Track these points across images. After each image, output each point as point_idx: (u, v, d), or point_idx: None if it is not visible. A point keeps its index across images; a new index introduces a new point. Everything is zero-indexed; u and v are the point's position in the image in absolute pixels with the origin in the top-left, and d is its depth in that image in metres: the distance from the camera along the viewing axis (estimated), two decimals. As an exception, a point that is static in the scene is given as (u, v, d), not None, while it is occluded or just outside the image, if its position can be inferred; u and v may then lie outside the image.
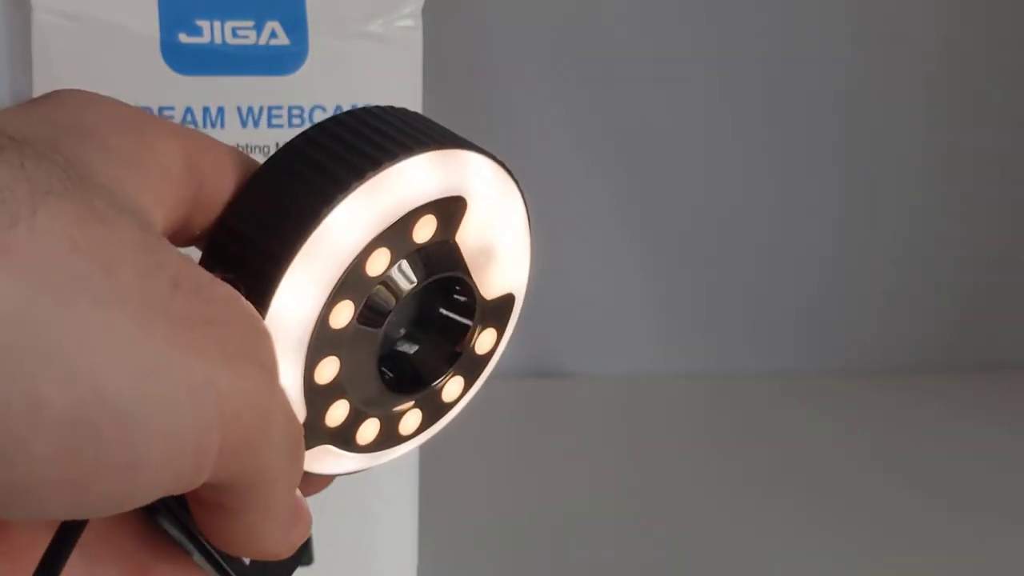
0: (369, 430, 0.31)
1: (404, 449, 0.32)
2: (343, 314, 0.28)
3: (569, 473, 0.74)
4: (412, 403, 0.31)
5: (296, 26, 0.46)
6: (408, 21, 0.47)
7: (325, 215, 0.27)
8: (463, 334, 0.31)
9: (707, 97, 0.87)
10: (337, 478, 0.32)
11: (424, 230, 0.29)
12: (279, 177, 0.28)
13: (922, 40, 0.89)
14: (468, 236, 0.30)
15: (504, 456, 0.76)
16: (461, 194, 0.29)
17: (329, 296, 0.28)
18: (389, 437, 0.31)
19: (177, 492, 0.24)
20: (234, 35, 0.45)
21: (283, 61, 0.46)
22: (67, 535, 0.26)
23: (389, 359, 0.31)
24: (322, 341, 0.28)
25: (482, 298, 0.31)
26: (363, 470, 0.32)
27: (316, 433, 0.29)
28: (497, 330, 0.32)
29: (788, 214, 0.90)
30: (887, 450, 0.79)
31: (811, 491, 0.73)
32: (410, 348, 0.31)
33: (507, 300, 0.32)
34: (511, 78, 0.84)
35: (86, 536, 0.28)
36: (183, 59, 0.45)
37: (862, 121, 0.90)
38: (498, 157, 0.30)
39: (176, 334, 0.23)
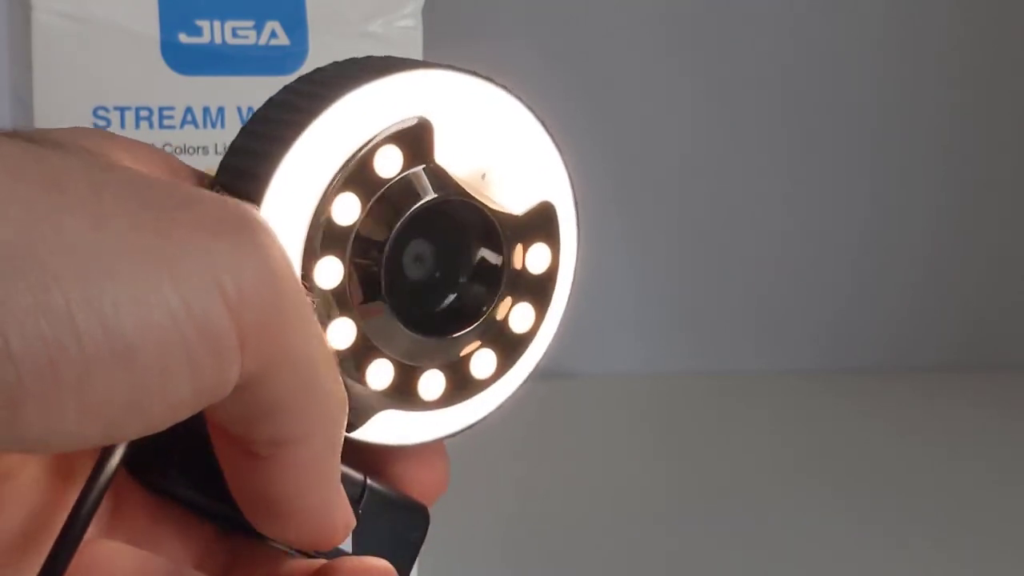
0: (432, 383, 0.29)
1: (500, 395, 0.30)
2: (331, 271, 0.27)
3: (569, 473, 0.74)
4: (478, 343, 0.29)
5: (296, 26, 0.46)
6: (408, 21, 0.47)
7: (271, 176, 0.26)
8: (489, 260, 0.29)
9: (706, 96, 0.87)
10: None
11: (389, 163, 0.27)
12: (231, 157, 0.28)
13: (930, 38, 0.89)
14: (454, 157, 0.28)
15: (504, 456, 0.76)
16: (420, 115, 0.28)
17: (304, 255, 0.27)
18: (463, 385, 0.30)
19: (207, 392, 0.23)
20: (234, 35, 0.45)
21: (283, 61, 0.46)
22: (102, 465, 0.25)
23: (415, 302, 0.29)
24: (322, 304, 0.27)
25: (507, 215, 0.29)
26: (466, 428, 0.30)
27: (362, 400, 0.28)
28: (549, 244, 0.30)
29: (788, 215, 0.90)
30: (889, 450, 0.79)
31: (811, 491, 0.72)
32: (448, 291, 0.29)
33: (544, 210, 0.30)
34: (511, 78, 0.84)
35: (154, 548, 0.28)
36: (183, 59, 0.45)
37: (868, 120, 0.90)
38: (469, 68, 0.29)
39: (140, 221, 0.22)
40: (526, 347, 0.30)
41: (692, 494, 0.72)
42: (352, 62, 0.29)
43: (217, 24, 0.45)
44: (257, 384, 0.24)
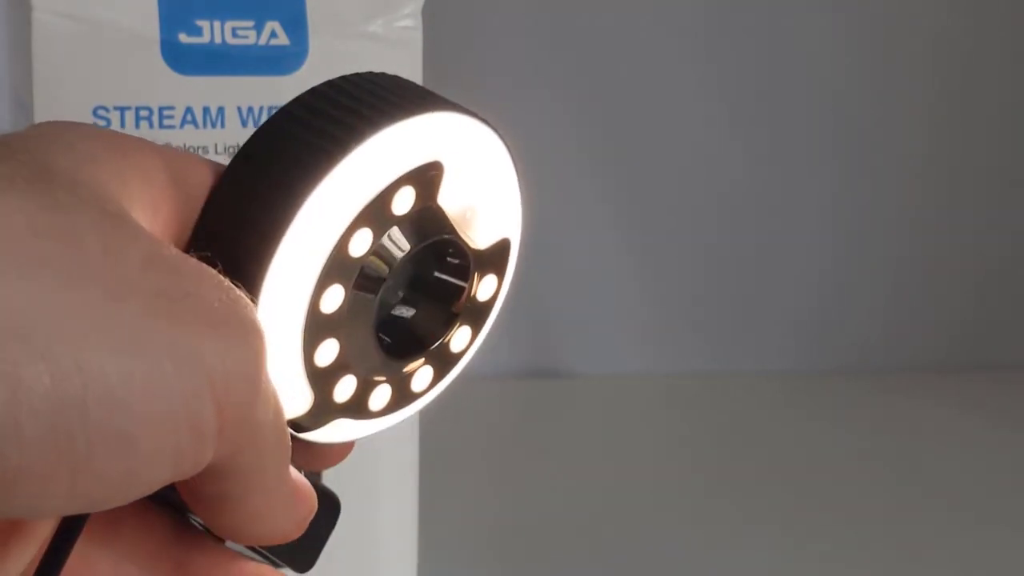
0: (381, 396, 0.31)
1: (420, 405, 0.32)
2: (334, 298, 0.28)
3: (569, 473, 0.74)
4: (422, 360, 0.31)
5: (296, 26, 0.46)
6: (408, 21, 0.47)
7: (300, 206, 0.27)
8: (459, 294, 0.31)
9: (704, 98, 0.87)
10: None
11: (403, 202, 0.29)
12: (250, 173, 0.28)
13: (923, 38, 0.89)
14: (450, 196, 0.30)
15: (504, 456, 0.76)
16: (436, 159, 0.29)
17: (316, 283, 0.28)
18: (402, 397, 0.31)
19: (182, 475, 0.24)
20: (234, 35, 0.45)
21: (283, 61, 0.46)
22: (68, 532, 0.26)
23: (388, 325, 0.31)
24: (317, 326, 0.28)
25: (475, 250, 0.31)
26: (383, 429, 0.32)
27: (327, 410, 0.29)
28: (497, 275, 0.32)
29: (786, 214, 0.90)
30: (885, 450, 0.79)
31: (811, 491, 0.73)
32: (408, 313, 0.31)
33: (502, 245, 0.32)
34: (511, 78, 0.84)
35: (113, 535, 0.29)
36: (183, 59, 0.45)
37: (860, 121, 0.90)
38: (467, 108, 0.30)
39: (153, 307, 0.23)
40: (456, 363, 0.32)
41: (692, 494, 0.72)
42: (369, 87, 0.29)
43: (217, 24, 0.45)
44: (219, 462, 0.25)
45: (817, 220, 0.91)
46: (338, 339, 0.29)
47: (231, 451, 0.25)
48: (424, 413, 0.51)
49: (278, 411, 0.27)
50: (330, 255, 0.28)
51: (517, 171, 0.32)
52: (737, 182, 0.89)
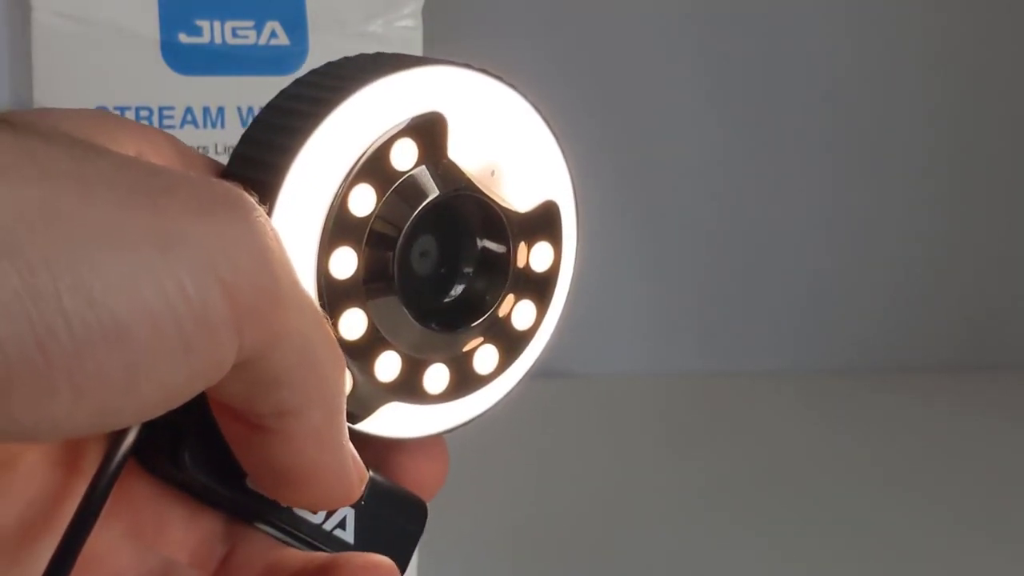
0: (436, 377, 0.29)
1: (500, 391, 0.31)
2: (345, 262, 0.27)
3: (569, 473, 0.74)
4: (481, 339, 0.30)
5: (296, 26, 0.46)
6: (408, 21, 0.47)
7: (288, 166, 0.26)
8: (499, 256, 0.30)
9: (705, 97, 0.87)
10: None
11: (404, 156, 0.28)
12: (246, 148, 0.28)
13: (923, 37, 0.89)
14: (466, 153, 0.29)
15: (504, 456, 0.76)
16: (435, 110, 0.28)
17: (320, 246, 0.27)
18: (466, 380, 0.30)
19: (204, 372, 0.23)
20: (234, 35, 0.45)
21: (283, 61, 0.46)
22: (104, 473, 0.25)
23: (425, 297, 0.29)
24: (335, 295, 0.27)
25: (514, 213, 0.29)
26: (467, 422, 0.31)
27: (372, 391, 0.28)
28: (551, 242, 0.30)
29: (787, 214, 0.90)
30: (885, 450, 0.79)
31: (811, 491, 0.73)
32: (454, 286, 0.30)
33: (548, 209, 0.30)
34: (511, 78, 0.84)
35: (158, 536, 0.28)
36: (183, 59, 0.45)
37: (862, 120, 0.90)
38: (480, 66, 0.29)
39: (129, 200, 0.22)
40: (527, 344, 0.31)
41: (693, 494, 0.72)
42: (365, 57, 0.29)
43: (217, 24, 0.45)
44: (255, 362, 0.24)
45: (817, 220, 0.91)
46: (364, 310, 0.28)
47: (264, 344, 0.24)
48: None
49: (315, 307, 0.25)
50: (331, 215, 0.27)
51: (552, 129, 0.31)
52: (737, 182, 0.89)
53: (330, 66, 0.29)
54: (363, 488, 0.28)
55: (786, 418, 0.84)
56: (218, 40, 0.45)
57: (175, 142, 0.28)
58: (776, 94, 0.88)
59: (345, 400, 0.26)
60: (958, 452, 0.79)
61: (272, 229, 0.24)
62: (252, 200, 0.24)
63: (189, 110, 0.45)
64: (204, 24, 0.45)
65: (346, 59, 0.29)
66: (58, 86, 0.43)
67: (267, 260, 0.23)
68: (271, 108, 0.28)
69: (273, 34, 0.46)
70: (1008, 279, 0.93)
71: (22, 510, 0.27)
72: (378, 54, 0.29)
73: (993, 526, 0.69)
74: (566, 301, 0.32)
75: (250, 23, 0.45)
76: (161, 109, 0.45)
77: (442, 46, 0.52)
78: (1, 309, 0.20)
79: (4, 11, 0.47)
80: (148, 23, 0.44)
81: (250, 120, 0.46)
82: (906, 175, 0.91)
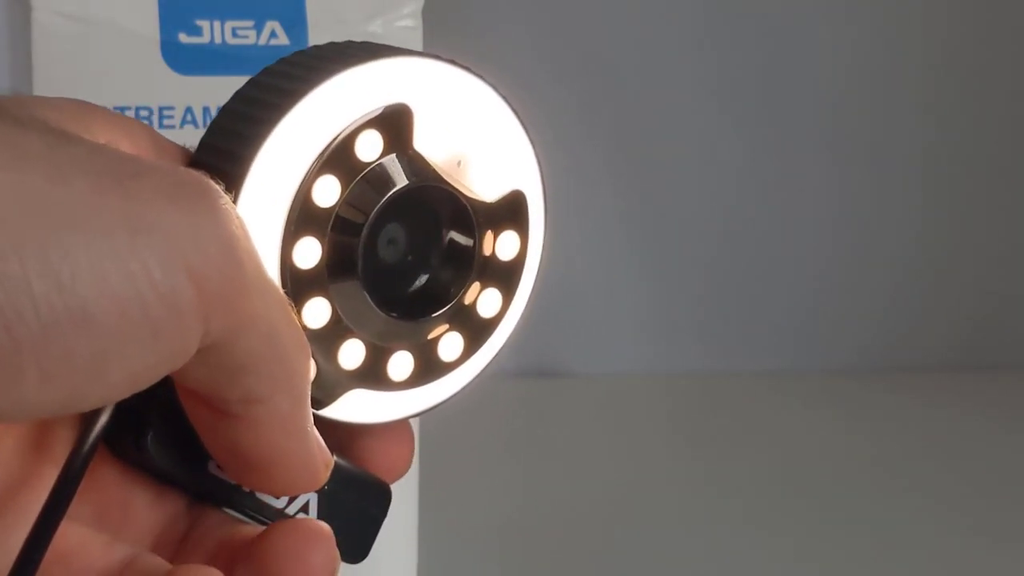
0: (401, 364, 0.30)
1: (464, 377, 0.31)
2: (309, 252, 0.28)
3: (569, 473, 0.74)
4: (446, 326, 0.30)
5: (296, 26, 0.46)
6: (408, 21, 0.47)
7: (253, 156, 0.27)
8: (463, 247, 0.30)
9: (706, 97, 0.87)
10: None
11: (370, 147, 0.28)
12: (213, 135, 0.28)
13: (923, 39, 0.89)
14: (432, 144, 0.29)
15: (504, 456, 0.76)
16: (400, 102, 0.28)
17: (284, 235, 0.27)
18: (431, 367, 0.30)
19: (170, 357, 0.23)
20: (234, 35, 0.45)
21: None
22: (72, 465, 0.26)
23: (388, 285, 0.29)
24: (298, 284, 0.28)
25: (480, 202, 0.30)
26: (429, 409, 0.31)
27: (335, 378, 0.29)
28: (518, 231, 0.31)
29: (788, 214, 0.90)
30: (886, 451, 0.79)
31: (810, 491, 0.73)
32: (419, 275, 0.30)
33: (515, 198, 0.31)
34: (511, 78, 0.84)
35: (122, 521, 0.28)
36: (183, 59, 0.45)
37: (861, 120, 0.90)
38: (441, 55, 0.29)
39: (100, 185, 0.22)
40: (492, 331, 0.31)
41: (692, 494, 0.72)
42: (332, 47, 0.29)
43: (217, 24, 0.45)
44: (221, 348, 0.24)
45: (817, 220, 0.91)
46: (327, 298, 0.28)
47: (230, 331, 0.24)
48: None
49: (280, 294, 0.26)
50: (295, 205, 0.27)
51: (520, 119, 0.31)
52: (738, 182, 0.89)
53: (298, 55, 0.29)
54: (328, 474, 0.28)
55: (786, 418, 0.84)
56: (218, 40, 0.45)
57: (150, 132, 0.28)
58: (777, 94, 0.88)
59: (310, 387, 0.27)
60: (959, 452, 0.79)
61: (238, 217, 0.24)
62: (219, 189, 0.24)
63: (189, 110, 0.45)
64: (204, 24, 0.45)
65: (315, 48, 0.29)
66: (58, 86, 0.43)
67: (233, 248, 0.24)
68: (239, 97, 0.28)
69: (273, 34, 0.46)
70: (1008, 279, 0.93)
71: None
72: (347, 43, 0.29)
73: (994, 526, 0.69)
74: (533, 289, 0.32)
75: (250, 23, 0.45)
76: (161, 109, 0.45)
77: (442, 46, 0.52)
78: None
79: (4, 11, 0.47)
80: (148, 23, 0.44)
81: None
82: (906, 176, 0.91)
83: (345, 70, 0.27)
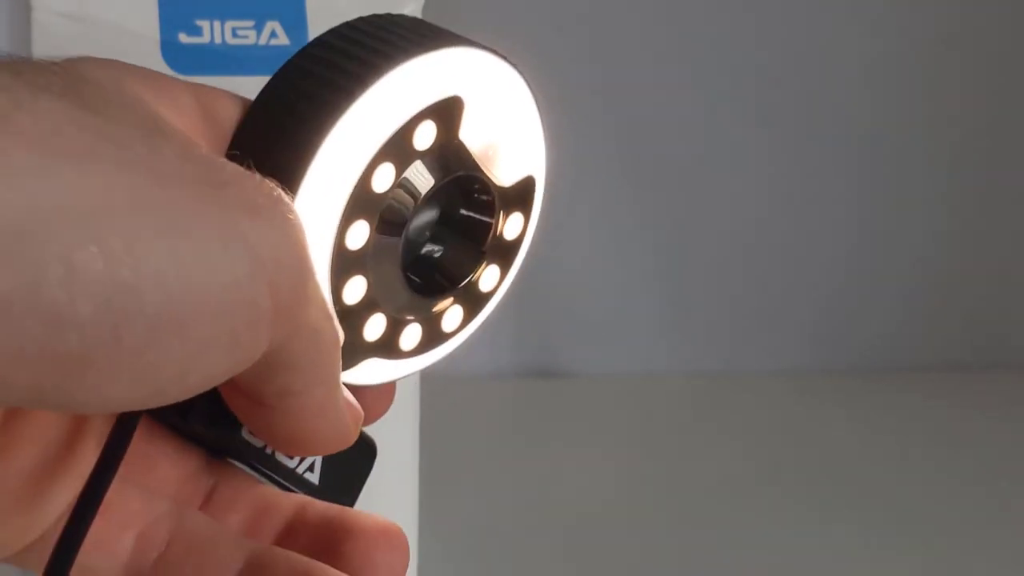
0: (411, 335, 0.31)
1: (454, 344, 0.33)
2: (359, 234, 0.28)
3: (569, 473, 0.74)
4: (451, 300, 0.32)
5: (296, 26, 0.46)
6: (408, 21, 0.47)
7: (321, 142, 0.27)
8: (486, 231, 0.32)
9: (716, 96, 0.87)
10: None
11: (425, 136, 0.29)
12: (273, 110, 0.28)
13: (928, 37, 0.89)
14: (472, 132, 0.30)
15: (504, 456, 0.76)
16: (456, 93, 0.29)
17: (341, 219, 0.28)
18: (433, 337, 0.32)
19: (237, 363, 0.24)
20: (234, 35, 0.45)
21: (283, 61, 0.46)
22: (125, 427, 0.26)
23: (416, 263, 0.31)
24: (344, 264, 0.28)
25: (499, 187, 0.31)
26: (419, 370, 0.32)
27: (358, 349, 0.30)
28: (523, 213, 0.32)
29: (793, 214, 0.90)
30: (889, 450, 0.79)
31: (815, 492, 0.73)
32: (436, 251, 0.32)
33: (527, 183, 0.32)
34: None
35: (146, 473, 0.29)
36: (183, 59, 0.45)
37: (871, 124, 0.90)
38: (486, 44, 0.30)
39: (196, 192, 0.23)
40: (486, 303, 0.33)
41: (692, 494, 0.72)
42: (386, 26, 0.30)
43: (217, 24, 0.45)
44: (274, 352, 0.25)
45: (819, 222, 0.91)
46: (366, 276, 0.29)
47: (286, 337, 0.25)
48: (424, 413, 0.51)
49: (325, 300, 0.27)
50: (354, 191, 0.28)
51: (539, 108, 0.32)
52: (744, 182, 0.89)
53: (354, 32, 0.29)
54: (359, 429, 0.29)
55: (790, 418, 0.84)
56: (218, 40, 0.45)
57: (195, 92, 0.29)
58: (793, 93, 0.88)
59: (340, 370, 0.28)
60: (960, 452, 0.79)
61: (304, 231, 0.25)
62: (290, 201, 0.25)
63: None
64: (204, 24, 0.45)
65: (373, 23, 0.30)
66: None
67: (305, 262, 0.25)
68: (301, 71, 0.29)
69: (273, 34, 0.46)
70: (1010, 279, 0.93)
71: (39, 453, 0.28)
72: (397, 23, 0.30)
73: (995, 526, 0.69)
74: (522, 263, 0.33)
75: (250, 23, 0.45)
76: (161, 109, 0.45)
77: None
78: (87, 293, 0.21)
79: (4, 11, 0.47)
80: (148, 23, 0.44)
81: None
82: (908, 176, 0.91)
83: (409, 59, 0.28)
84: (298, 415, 0.27)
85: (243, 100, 0.29)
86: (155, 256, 0.22)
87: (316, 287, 0.26)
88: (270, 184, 0.25)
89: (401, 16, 0.30)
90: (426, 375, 0.50)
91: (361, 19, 0.30)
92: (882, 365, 0.91)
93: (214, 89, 0.29)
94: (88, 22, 0.44)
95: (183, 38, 0.45)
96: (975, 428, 0.83)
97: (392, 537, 0.30)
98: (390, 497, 0.51)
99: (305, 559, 0.29)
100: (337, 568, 0.29)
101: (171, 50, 0.45)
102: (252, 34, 0.45)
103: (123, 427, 0.27)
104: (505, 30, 0.88)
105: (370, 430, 0.33)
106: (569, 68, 0.85)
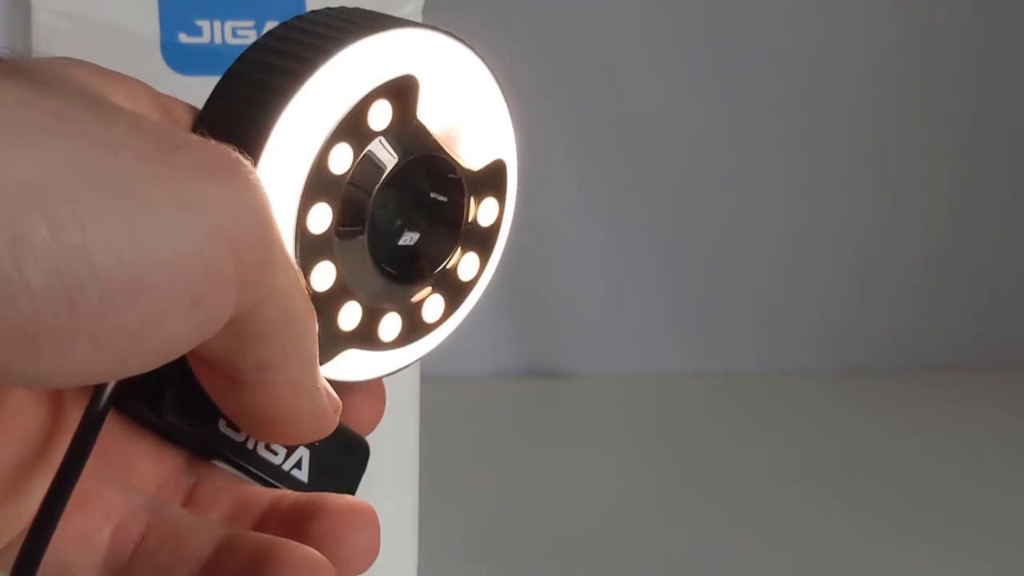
0: (390, 325, 0.31)
1: (439, 338, 0.32)
2: (321, 217, 0.28)
3: (569, 473, 0.74)
4: (429, 289, 0.31)
5: (296, 26, 0.46)
6: (408, 21, 0.47)
7: (273, 124, 0.27)
8: (456, 214, 0.31)
9: (713, 95, 0.87)
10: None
11: (380, 116, 0.29)
12: (225, 102, 0.29)
13: (932, 36, 0.89)
14: (432, 113, 0.30)
15: (504, 456, 0.76)
16: (409, 72, 0.29)
17: (300, 202, 0.28)
18: (414, 328, 0.31)
19: (204, 328, 0.24)
20: (234, 35, 0.45)
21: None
22: (92, 418, 0.26)
23: (388, 250, 0.31)
24: (309, 249, 0.28)
25: (468, 171, 0.31)
26: (405, 367, 0.32)
27: (334, 339, 0.30)
28: (497, 198, 0.32)
29: (794, 214, 0.90)
30: (890, 450, 0.79)
31: (811, 491, 0.73)
32: (406, 236, 0.31)
33: (497, 166, 0.32)
34: (512, 78, 0.84)
35: (126, 471, 0.29)
36: (183, 59, 0.45)
37: (870, 122, 0.90)
38: (440, 27, 0.30)
39: (146, 157, 0.23)
40: (468, 293, 0.32)
41: (692, 494, 0.72)
42: (338, 14, 0.30)
43: (217, 24, 0.45)
44: (244, 318, 0.25)
45: (818, 221, 0.91)
46: (333, 262, 0.29)
47: (255, 303, 0.25)
48: (424, 413, 0.51)
49: (295, 267, 0.26)
50: (311, 173, 0.28)
51: (502, 90, 0.32)
52: (742, 182, 0.89)
53: (304, 21, 0.29)
54: (338, 418, 0.29)
55: (790, 419, 0.84)
56: (218, 40, 0.45)
57: (149, 89, 0.29)
58: (780, 94, 0.88)
59: (318, 349, 0.28)
60: (961, 452, 0.79)
61: (266, 192, 0.25)
62: (248, 163, 0.25)
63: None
64: (204, 24, 0.45)
65: (319, 14, 0.30)
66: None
67: (266, 224, 0.25)
68: (250, 62, 0.29)
69: (273, 34, 0.46)
70: (1012, 279, 0.93)
71: (16, 446, 0.28)
72: (351, 10, 0.30)
73: (995, 526, 0.69)
74: (503, 252, 0.33)
75: (250, 23, 0.45)
76: (161, 109, 0.45)
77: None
78: (35, 262, 0.21)
79: (4, 11, 0.47)
80: (148, 23, 0.44)
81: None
82: (908, 176, 0.91)
83: (357, 40, 0.28)
84: (274, 393, 0.27)
85: (196, 109, 0.30)
86: (104, 221, 0.22)
87: (283, 252, 0.25)
88: (227, 148, 0.25)
89: (355, 8, 0.30)
90: (426, 375, 0.50)
91: (313, 11, 0.30)
92: (886, 365, 0.91)
93: (169, 96, 0.30)
94: (88, 22, 0.44)
95: (183, 38, 0.45)
96: (971, 428, 0.83)
97: (360, 514, 0.30)
98: (390, 497, 0.51)
99: (272, 537, 0.29)
100: (308, 541, 0.28)
101: (171, 50, 0.45)
102: (252, 34, 0.45)
103: (90, 418, 0.26)
104: (506, 27, 0.88)
105: (370, 428, 0.33)
106: (571, 67, 0.85)
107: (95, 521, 0.29)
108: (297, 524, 0.29)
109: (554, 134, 0.85)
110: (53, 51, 0.43)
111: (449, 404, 0.65)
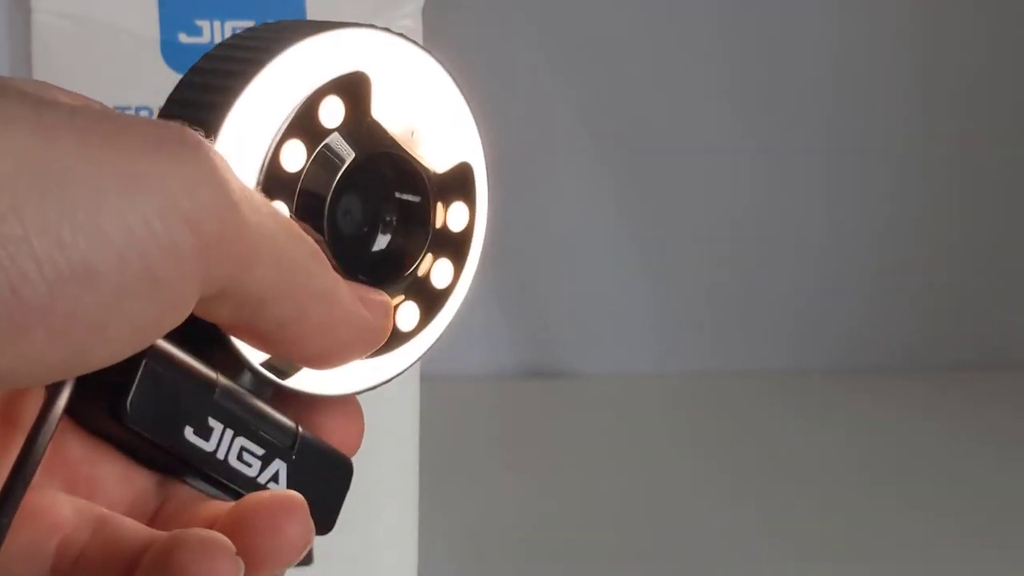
0: None
1: (418, 349, 0.32)
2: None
3: (569, 473, 0.74)
4: (402, 296, 0.31)
5: (296, 26, 0.46)
6: (408, 21, 0.47)
7: (221, 124, 0.27)
8: (422, 214, 0.31)
9: (707, 97, 0.87)
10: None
11: (332, 113, 0.29)
12: (176, 106, 0.28)
13: (936, 42, 0.89)
14: (388, 113, 0.30)
15: (504, 456, 0.76)
16: (360, 70, 0.29)
17: None
18: (389, 338, 0.30)
19: (175, 304, 0.24)
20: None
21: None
22: (45, 418, 0.26)
23: (352, 253, 0.30)
24: None
25: (432, 173, 0.31)
26: (383, 382, 0.31)
27: None
28: (466, 203, 0.31)
29: (790, 214, 0.90)
30: (890, 450, 0.79)
31: (810, 490, 0.72)
32: (378, 244, 0.31)
33: (463, 169, 0.31)
34: (512, 78, 0.84)
35: (93, 493, 0.28)
36: (183, 59, 0.45)
37: (857, 122, 0.90)
38: (393, 30, 0.30)
39: (86, 141, 0.23)
40: (445, 301, 0.32)
41: (692, 494, 0.72)
42: (288, 22, 0.30)
43: (217, 24, 0.45)
44: (235, 288, 0.25)
45: (818, 221, 0.91)
46: None
47: (237, 270, 0.24)
48: (424, 413, 0.51)
49: (276, 214, 0.26)
50: (264, 170, 0.28)
51: (463, 92, 0.32)
52: (740, 182, 0.89)
53: (252, 31, 0.29)
54: (389, 317, 0.29)
55: (788, 418, 0.84)
56: (218, 40, 0.45)
57: (105, 107, 0.29)
58: (781, 95, 0.88)
59: (330, 276, 0.27)
60: (960, 452, 0.79)
61: (222, 159, 0.25)
62: (199, 135, 0.25)
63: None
64: (204, 24, 0.45)
65: (266, 24, 0.30)
66: (58, 86, 0.43)
67: (225, 189, 0.24)
68: (197, 70, 0.29)
69: (273, 34, 0.46)
70: (1010, 279, 0.93)
71: None
72: (300, 20, 0.30)
73: (994, 526, 0.69)
74: (479, 262, 0.32)
75: (250, 23, 0.45)
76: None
77: (442, 46, 0.52)
78: None
79: (4, 11, 0.47)
80: (148, 23, 0.44)
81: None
82: (908, 177, 0.91)
83: (304, 39, 0.28)
84: (311, 338, 0.27)
85: None
86: (44, 208, 0.21)
87: (255, 209, 0.25)
88: (175, 124, 0.24)
89: (307, 20, 0.30)
90: (426, 375, 0.50)
91: (265, 23, 0.30)
92: (887, 366, 0.91)
93: None
94: (88, 22, 0.44)
95: (183, 38, 0.45)
96: (969, 428, 0.82)
97: (288, 503, 0.28)
98: (390, 497, 0.51)
99: (184, 530, 0.27)
100: (234, 538, 0.27)
101: (171, 50, 0.45)
102: (252, 34, 0.45)
103: (43, 420, 0.26)
104: (506, 28, 0.88)
105: (370, 428, 0.32)
106: (572, 68, 0.85)
107: (42, 534, 0.28)
108: (233, 524, 0.28)
109: (555, 135, 0.85)
110: (53, 51, 0.43)
111: (449, 404, 0.65)
